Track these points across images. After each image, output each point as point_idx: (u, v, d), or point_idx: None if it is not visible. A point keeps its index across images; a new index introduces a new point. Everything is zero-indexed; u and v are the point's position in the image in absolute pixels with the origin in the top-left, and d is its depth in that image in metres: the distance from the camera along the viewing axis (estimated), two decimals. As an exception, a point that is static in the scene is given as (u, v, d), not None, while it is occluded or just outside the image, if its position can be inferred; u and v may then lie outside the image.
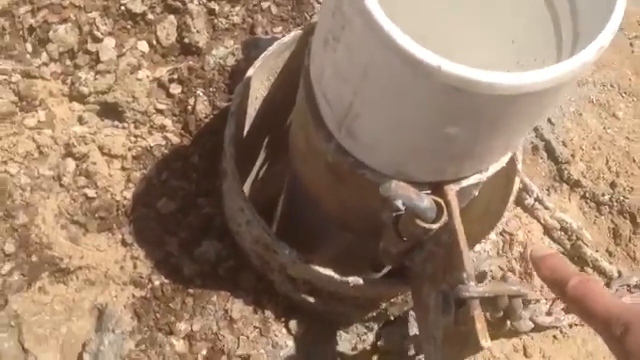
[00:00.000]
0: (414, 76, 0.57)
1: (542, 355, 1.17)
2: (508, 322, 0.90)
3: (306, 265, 0.91)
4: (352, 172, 0.76)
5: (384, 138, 0.70)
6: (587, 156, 1.31)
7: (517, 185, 0.97)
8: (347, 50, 0.63)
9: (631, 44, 1.44)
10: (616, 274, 1.20)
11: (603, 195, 1.27)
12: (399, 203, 0.72)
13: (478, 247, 1.02)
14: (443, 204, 0.75)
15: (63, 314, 1.06)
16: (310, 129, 0.77)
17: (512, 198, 0.97)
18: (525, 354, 1.17)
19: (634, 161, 1.32)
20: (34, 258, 1.07)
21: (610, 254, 1.25)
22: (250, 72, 0.97)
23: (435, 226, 0.75)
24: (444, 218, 0.75)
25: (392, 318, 1.07)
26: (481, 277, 1.12)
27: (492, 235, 1.08)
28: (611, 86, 1.39)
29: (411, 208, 0.73)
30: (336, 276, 0.90)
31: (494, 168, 0.79)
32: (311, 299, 0.98)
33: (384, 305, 1.03)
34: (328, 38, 0.65)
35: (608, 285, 1.18)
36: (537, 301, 1.09)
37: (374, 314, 1.05)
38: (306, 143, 0.83)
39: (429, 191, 0.77)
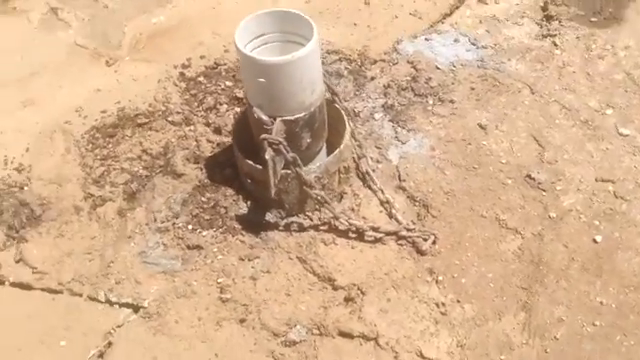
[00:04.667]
0: (252, 63, 2.26)
1: (360, 250, 2.53)
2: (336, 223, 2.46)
3: (244, 160, 2.51)
4: (251, 108, 2.40)
5: (252, 92, 2.37)
6: (418, 183, 2.72)
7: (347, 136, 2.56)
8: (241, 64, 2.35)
9: (470, 144, 2.86)
10: (409, 225, 2.56)
11: (417, 196, 2.67)
12: (256, 116, 2.35)
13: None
14: (274, 120, 2.35)
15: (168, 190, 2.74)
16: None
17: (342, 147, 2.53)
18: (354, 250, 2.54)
19: (442, 190, 2.70)
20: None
21: (413, 222, 2.60)
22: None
23: (271, 127, 2.35)
24: (274, 125, 2.35)
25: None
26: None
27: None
28: (448, 161, 2.81)
29: (261, 119, 2.35)
30: (252, 163, 2.49)
31: (298, 115, 2.37)
32: (249, 181, 2.56)
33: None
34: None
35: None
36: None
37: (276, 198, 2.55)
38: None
39: (272, 117, 2.36)
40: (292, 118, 2.38)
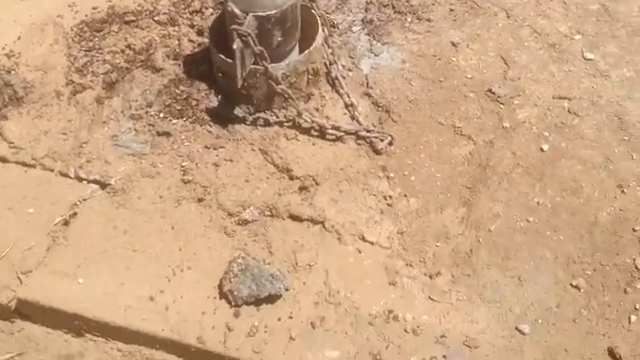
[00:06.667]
0: None
1: (320, 147, 2.73)
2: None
3: (217, 54, 2.71)
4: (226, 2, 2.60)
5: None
6: (384, 91, 2.91)
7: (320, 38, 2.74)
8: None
9: (440, 59, 3.03)
10: (370, 127, 2.74)
11: (381, 102, 2.85)
12: (229, 9, 2.54)
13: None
14: (246, 15, 2.55)
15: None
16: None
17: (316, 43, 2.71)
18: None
19: (406, 98, 2.88)
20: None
21: (374, 125, 2.79)
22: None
23: (243, 21, 2.54)
24: (246, 20, 2.54)
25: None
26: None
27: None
28: (416, 74, 2.98)
29: (234, 13, 2.54)
30: (224, 57, 2.68)
31: (270, 12, 2.55)
32: (221, 75, 2.76)
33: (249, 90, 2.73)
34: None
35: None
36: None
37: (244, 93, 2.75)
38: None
39: (245, 12, 2.56)
40: (264, 14, 2.57)
